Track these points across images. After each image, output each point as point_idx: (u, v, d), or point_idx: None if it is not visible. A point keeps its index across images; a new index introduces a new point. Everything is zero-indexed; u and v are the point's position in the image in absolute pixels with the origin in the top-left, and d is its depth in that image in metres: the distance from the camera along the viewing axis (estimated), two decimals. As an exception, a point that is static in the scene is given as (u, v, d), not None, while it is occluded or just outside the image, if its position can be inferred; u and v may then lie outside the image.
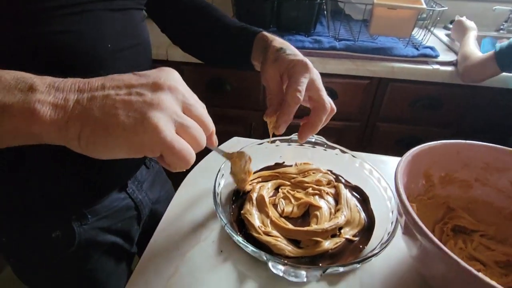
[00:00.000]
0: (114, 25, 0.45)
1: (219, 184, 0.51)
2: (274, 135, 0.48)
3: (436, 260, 0.33)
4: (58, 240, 0.51)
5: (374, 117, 1.25)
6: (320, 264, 0.43)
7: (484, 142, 0.48)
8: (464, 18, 1.20)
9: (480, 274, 0.29)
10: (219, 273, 0.44)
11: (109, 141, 0.26)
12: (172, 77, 0.30)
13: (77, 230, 0.52)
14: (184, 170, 0.29)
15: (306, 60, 0.45)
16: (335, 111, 0.47)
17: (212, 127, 0.33)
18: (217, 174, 0.51)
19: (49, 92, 0.26)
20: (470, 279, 0.29)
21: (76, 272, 0.56)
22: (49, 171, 0.48)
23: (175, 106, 0.28)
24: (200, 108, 0.31)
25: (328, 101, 0.45)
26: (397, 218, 0.45)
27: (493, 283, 0.27)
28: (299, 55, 0.46)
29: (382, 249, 0.42)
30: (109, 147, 0.26)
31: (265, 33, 0.53)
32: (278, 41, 0.49)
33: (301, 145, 0.62)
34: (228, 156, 0.46)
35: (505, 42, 0.94)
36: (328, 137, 0.61)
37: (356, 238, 0.48)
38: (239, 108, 1.31)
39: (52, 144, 0.27)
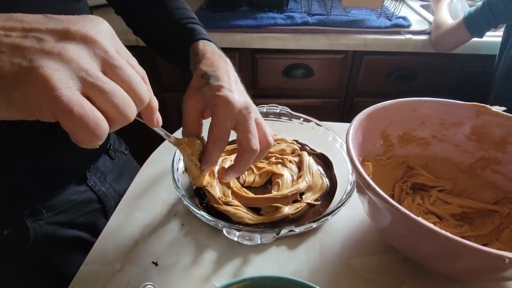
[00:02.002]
0: None
1: (179, 159, 0.51)
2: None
3: (381, 210, 0.33)
4: (11, 237, 0.48)
5: (351, 92, 1.25)
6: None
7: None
8: None
9: (420, 219, 0.29)
10: (179, 244, 0.44)
11: None
12: (94, 27, 0.23)
13: (31, 226, 0.48)
14: (97, 147, 0.23)
15: (229, 96, 0.37)
16: (272, 144, 0.42)
17: (147, 98, 0.26)
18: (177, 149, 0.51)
19: None
20: (409, 223, 0.29)
21: (41, 268, 0.53)
22: None
23: (86, 62, 0.22)
24: (130, 71, 0.25)
25: (255, 143, 0.38)
26: (354, 179, 0.45)
27: (430, 224, 0.28)
28: (223, 87, 0.38)
29: (338, 208, 0.42)
30: None
31: (199, 43, 0.45)
32: (207, 61, 0.42)
33: (267, 116, 0.62)
34: (176, 141, 0.39)
35: (473, 7, 0.94)
36: (308, 115, 0.60)
37: (318, 203, 0.48)
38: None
39: None
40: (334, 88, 1.23)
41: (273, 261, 0.41)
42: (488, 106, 0.44)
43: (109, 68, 0.24)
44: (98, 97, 0.22)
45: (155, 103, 0.29)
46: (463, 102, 0.46)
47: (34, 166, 0.48)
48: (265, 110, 0.61)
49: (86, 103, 0.22)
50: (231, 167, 0.42)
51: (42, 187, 0.51)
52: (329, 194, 0.49)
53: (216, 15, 1.18)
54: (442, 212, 0.44)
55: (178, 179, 0.47)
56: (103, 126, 0.22)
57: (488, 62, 1.05)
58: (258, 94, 1.25)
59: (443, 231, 0.27)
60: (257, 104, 0.62)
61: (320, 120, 0.59)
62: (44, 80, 0.20)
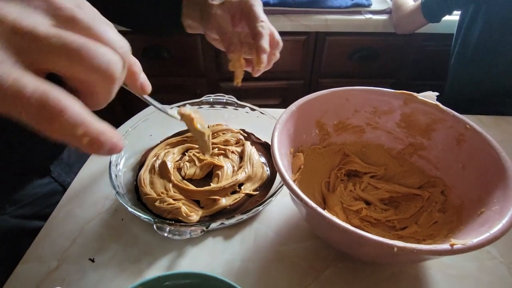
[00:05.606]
0: None
1: (119, 155, 0.51)
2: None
3: (297, 204, 0.35)
4: None
5: (316, 73, 1.25)
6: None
7: (423, 89, 0.47)
8: None
9: (325, 212, 0.30)
10: (118, 240, 0.44)
11: None
12: None
13: None
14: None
15: None
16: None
17: (127, 49, 0.21)
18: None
19: None
20: (318, 217, 0.31)
21: (10, 261, 0.53)
22: None
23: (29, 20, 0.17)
24: (93, 17, 0.20)
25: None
26: (289, 169, 0.46)
27: (333, 218, 0.29)
28: None
29: (269, 198, 0.43)
30: None
31: None
32: None
33: (213, 107, 0.61)
34: (182, 113, 0.37)
35: None
36: (273, 97, 0.59)
37: (257, 193, 0.49)
38: (181, 76, 1.27)
39: None
40: (298, 70, 1.23)
41: (208, 252, 0.43)
42: (415, 94, 0.46)
43: (60, 15, 0.19)
44: (55, 62, 0.17)
45: (136, 64, 0.24)
46: (393, 91, 0.47)
47: None
48: (211, 99, 0.61)
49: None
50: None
51: (4, 182, 0.50)
52: (269, 183, 0.51)
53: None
54: (371, 198, 0.46)
55: (116, 176, 0.47)
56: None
57: (447, 40, 1.07)
58: (222, 78, 1.24)
59: (344, 224, 0.29)
60: (214, 92, 0.62)
61: (287, 101, 0.59)
62: None
